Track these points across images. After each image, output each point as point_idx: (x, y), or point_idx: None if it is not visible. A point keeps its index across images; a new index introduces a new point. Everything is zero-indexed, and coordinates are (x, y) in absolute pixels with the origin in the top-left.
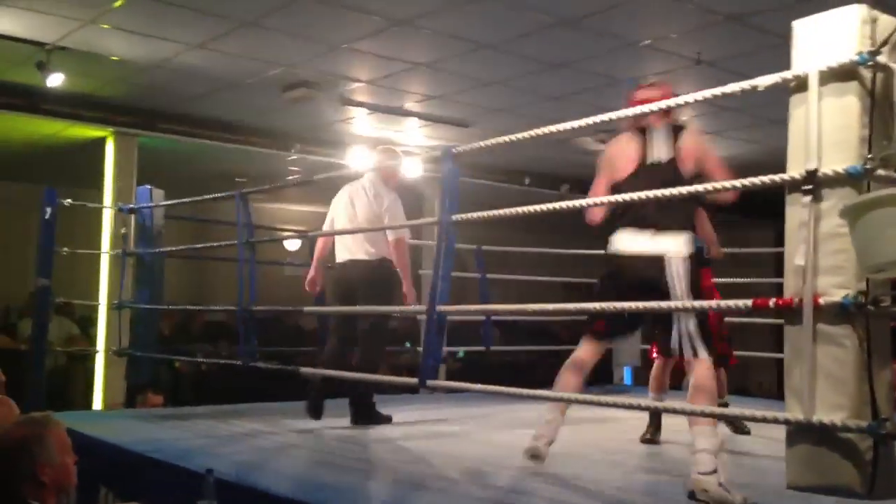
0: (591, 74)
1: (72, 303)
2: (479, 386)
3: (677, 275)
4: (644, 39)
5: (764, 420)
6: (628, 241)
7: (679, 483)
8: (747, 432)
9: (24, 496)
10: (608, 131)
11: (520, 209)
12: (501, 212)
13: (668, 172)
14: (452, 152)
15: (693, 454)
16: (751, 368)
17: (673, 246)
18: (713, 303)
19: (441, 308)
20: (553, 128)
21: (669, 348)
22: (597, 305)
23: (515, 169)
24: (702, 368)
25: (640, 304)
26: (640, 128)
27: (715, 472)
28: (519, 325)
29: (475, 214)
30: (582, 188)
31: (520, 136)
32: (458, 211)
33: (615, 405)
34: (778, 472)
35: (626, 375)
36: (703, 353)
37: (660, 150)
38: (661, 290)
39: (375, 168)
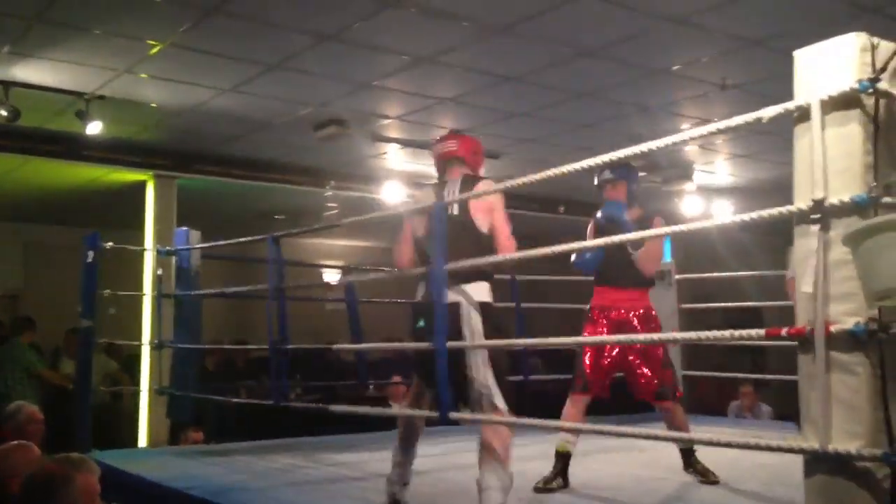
0: (620, 103)
1: (115, 343)
2: (497, 418)
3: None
4: (670, 66)
5: (780, 449)
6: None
7: None
8: (714, 482)
9: None
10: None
11: (520, 254)
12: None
13: (460, 225)
14: (443, 204)
15: (481, 491)
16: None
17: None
18: (727, 333)
19: (451, 345)
20: (560, 169)
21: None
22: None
23: (550, 197)
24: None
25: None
26: (442, 180)
27: None
28: (563, 354)
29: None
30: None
31: (519, 181)
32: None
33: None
34: None
35: None
36: (500, 403)
37: (453, 204)
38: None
39: None
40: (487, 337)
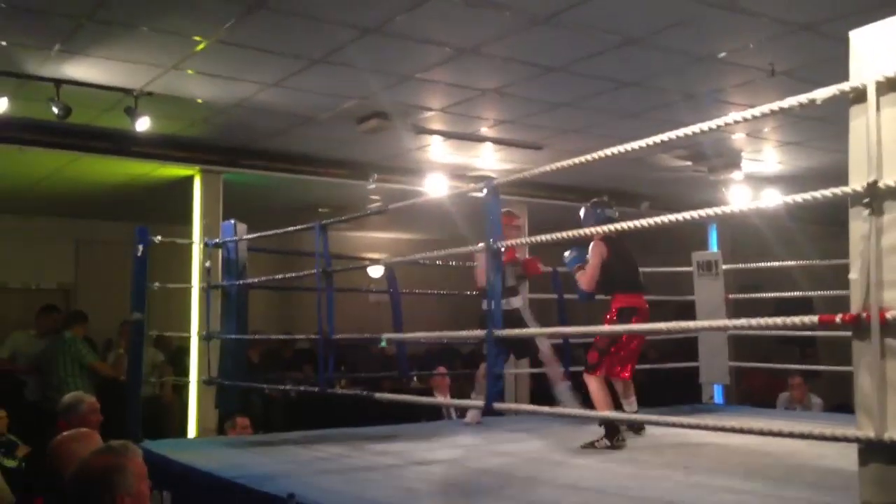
0: (665, 91)
1: (164, 335)
2: (545, 409)
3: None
4: (716, 53)
5: (834, 438)
6: None
7: None
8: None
9: None
10: (685, 147)
11: (560, 234)
12: (545, 236)
13: None
14: (493, 185)
15: None
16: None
17: None
18: (779, 320)
19: (497, 332)
20: (596, 154)
21: None
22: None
23: (593, 188)
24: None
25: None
26: None
27: None
28: None
29: (519, 240)
30: (661, 205)
31: (556, 165)
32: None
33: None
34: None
35: (717, 394)
36: None
37: None
38: None
39: None
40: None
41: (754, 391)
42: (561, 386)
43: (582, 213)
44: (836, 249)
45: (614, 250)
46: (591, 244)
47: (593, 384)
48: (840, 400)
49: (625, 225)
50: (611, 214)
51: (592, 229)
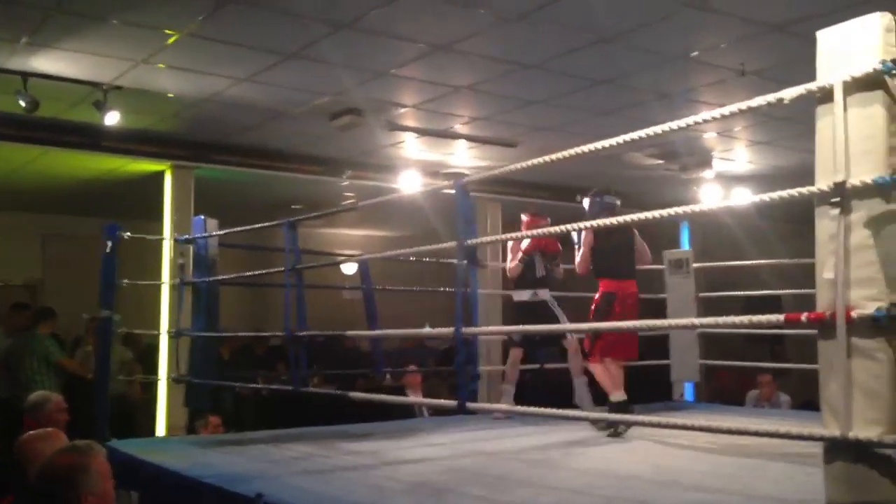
0: (637, 89)
1: (133, 332)
2: (519, 408)
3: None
4: (689, 52)
5: (800, 437)
6: None
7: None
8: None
9: None
10: (657, 145)
11: (533, 231)
12: (517, 234)
13: None
14: (462, 183)
15: None
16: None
17: None
18: (745, 318)
19: (465, 330)
20: (567, 152)
21: None
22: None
23: (566, 186)
24: None
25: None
26: None
27: None
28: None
29: (490, 238)
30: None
31: (527, 163)
32: (474, 235)
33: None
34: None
35: (688, 392)
36: None
37: None
38: None
39: None
40: None
41: (724, 389)
42: (579, 380)
43: (586, 203)
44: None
45: (603, 237)
46: (583, 233)
47: (596, 370)
48: (807, 397)
49: (599, 222)
50: (610, 201)
51: (585, 224)
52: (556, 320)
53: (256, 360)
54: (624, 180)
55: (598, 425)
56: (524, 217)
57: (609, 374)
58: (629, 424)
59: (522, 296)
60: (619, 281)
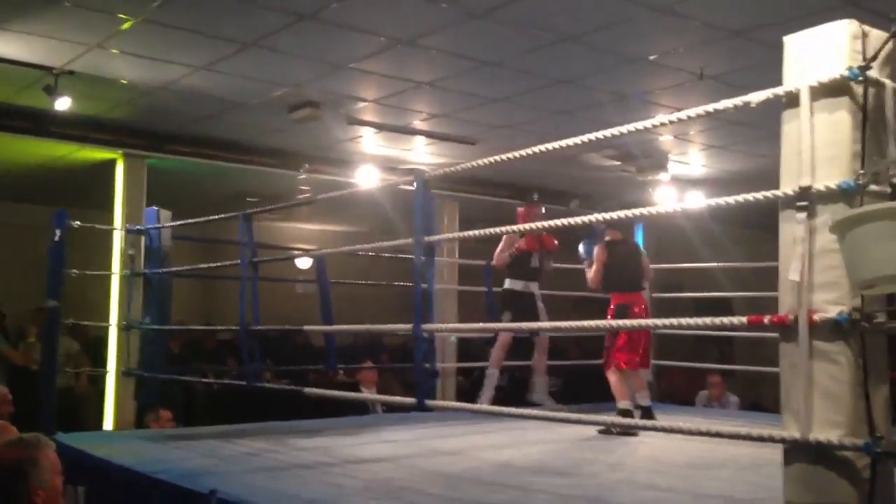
0: (596, 90)
1: (80, 323)
2: (477, 406)
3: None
4: (648, 55)
5: (760, 439)
6: None
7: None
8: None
9: None
10: (614, 147)
11: (493, 230)
12: (475, 232)
13: None
14: (423, 179)
15: None
16: (765, 383)
17: None
18: (708, 320)
19: (425, 327)
20: (529, 150)
21: None
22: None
23: (525, 185)
24: None
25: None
26: None
27: None
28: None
29: (449, 235)
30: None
31: (489, 159)
32: (433, 232)
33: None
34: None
35: None
36: None
37: None
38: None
39: None
40: None
41: (674, 389)
42: (540, 377)
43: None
44: (760, 252)
45: (613, 253)
46: (595, 249)
47: (611, 378)
48: (754, 399)
49: (555, 222)
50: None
51: (526, 226)
52: (538, 314)
53: (206, 354)
54: (582, 181)
55: (599, 428)
56: (520, 209)
57: (621, 384)
58: (611, 427)
59: (516, 284)
60: (630, 294)
